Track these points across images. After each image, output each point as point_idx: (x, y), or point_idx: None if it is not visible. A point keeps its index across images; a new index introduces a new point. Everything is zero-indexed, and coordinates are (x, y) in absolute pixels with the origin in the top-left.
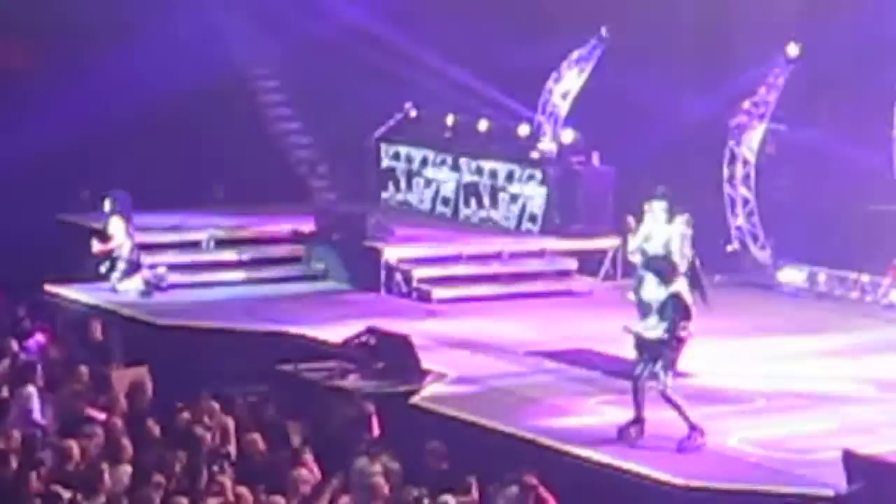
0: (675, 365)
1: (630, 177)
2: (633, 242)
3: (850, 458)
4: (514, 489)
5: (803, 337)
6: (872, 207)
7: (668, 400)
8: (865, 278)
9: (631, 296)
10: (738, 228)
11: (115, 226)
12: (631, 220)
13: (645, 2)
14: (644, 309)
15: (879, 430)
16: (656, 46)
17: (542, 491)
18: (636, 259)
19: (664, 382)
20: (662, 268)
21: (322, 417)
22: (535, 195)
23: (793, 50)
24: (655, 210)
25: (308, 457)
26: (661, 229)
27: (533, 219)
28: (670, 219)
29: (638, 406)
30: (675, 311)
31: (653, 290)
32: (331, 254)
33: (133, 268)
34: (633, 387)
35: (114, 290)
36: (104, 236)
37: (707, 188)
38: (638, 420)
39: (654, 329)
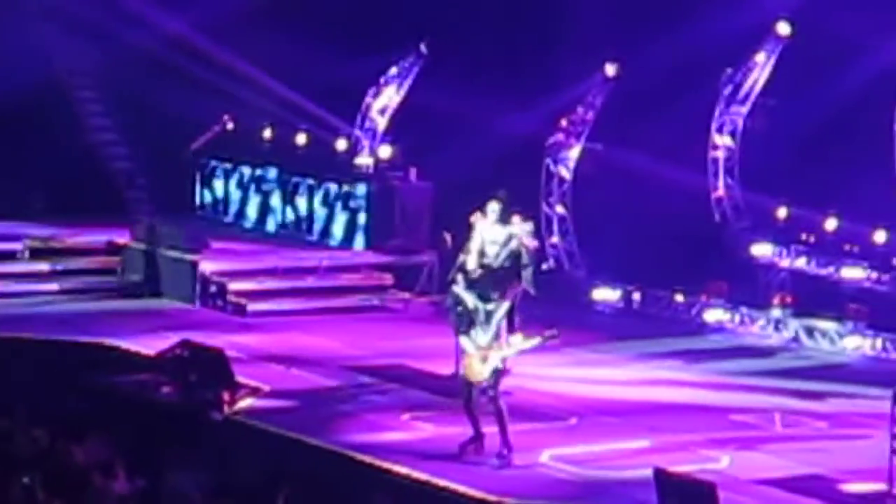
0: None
1: (447, 193)
2: (471, 260)
3: (661, 477)
4: None
5: (617, 355)
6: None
7: (498, 407)
8: (680, 297)
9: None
10: (554, 247)
11: None
12: (447, 236)
13: (465, 19)
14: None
15: (691, 447)
16: (475, 63)
17: None
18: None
19: (496, 389)
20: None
21: (136, 431)
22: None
23: (611, 69)
24: (490, 212)
25: (120, 470)
26: (498, 230)
27: (351, 233)
28: (506, 220)
29: (476, 423)
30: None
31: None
32: (146, 265)
33: None
34: (467, 408)
35: None
36: None
37: (524, 206)
38: (478, 437)
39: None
